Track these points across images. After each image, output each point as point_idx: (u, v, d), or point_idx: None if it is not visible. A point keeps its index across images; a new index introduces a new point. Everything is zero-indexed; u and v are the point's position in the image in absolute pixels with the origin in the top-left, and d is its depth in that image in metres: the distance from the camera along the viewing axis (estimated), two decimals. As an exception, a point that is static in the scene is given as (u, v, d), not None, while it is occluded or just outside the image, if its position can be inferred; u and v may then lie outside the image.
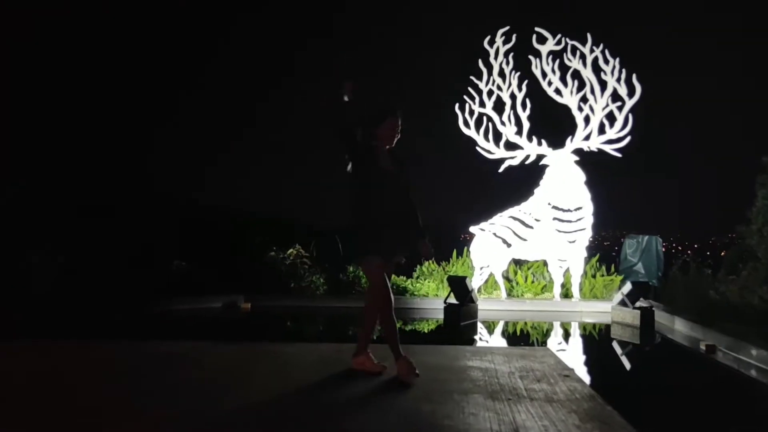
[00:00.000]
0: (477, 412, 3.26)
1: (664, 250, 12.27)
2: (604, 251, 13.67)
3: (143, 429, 2.95)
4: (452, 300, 8.52)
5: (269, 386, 3.79)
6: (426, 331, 8.36)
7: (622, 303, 8.38)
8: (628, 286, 8.48)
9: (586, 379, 5.17)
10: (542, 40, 10.16)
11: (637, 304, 8.32)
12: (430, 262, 11.18)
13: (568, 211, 9.87)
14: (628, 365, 6.47)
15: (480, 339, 7.67)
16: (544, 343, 7.29)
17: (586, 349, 7.24)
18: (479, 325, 8.43)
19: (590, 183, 10.07)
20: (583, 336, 8.19)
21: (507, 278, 10.68)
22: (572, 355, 6.55)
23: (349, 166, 3.97)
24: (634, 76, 9.73)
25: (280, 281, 10.48)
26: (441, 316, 8.47)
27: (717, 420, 4.26)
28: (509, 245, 9.99)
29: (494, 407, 3.36)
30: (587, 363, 6.31)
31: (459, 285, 8.53)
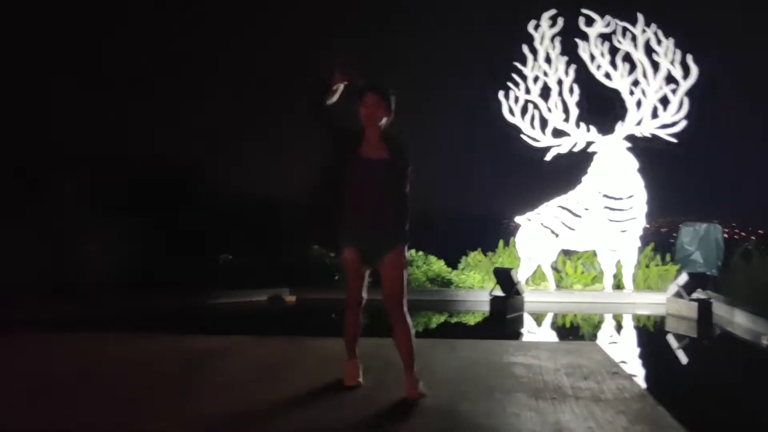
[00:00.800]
0: (519, 411, 3.14)
1: (726, 237, 11.75)
2: (661, 238, 13.17)
3: (180, 426, 2.95)
4: (498, 292, 8.34)
5: (307, 382, 3.75)
6: (471, 324, 8.23)
7: (678, 294, 8.04)
8: (683, 277, 8.12)
9: (638, 376, 4.96)
10: (590, 22, 9.77)
11: (694, 295, 7.96)
12: (477, 252, 11.01)
13: (620, 199, 9.53)
14: (683, 361, 6.19)
15: (527, 332, 7.49)
16: (593, 337, 7.06)
17: (639, 344, 6.97)
18: (526, 317, 8.23)
19: (645, 169, 9.69)
20: (635, 329, 7.91)
21: (556, 269, 10.41)
22: (623, 349, 6.30)
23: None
24: (689, 57, 9.26)
25: (324, 274, 10.50)
26: (487, 308, 8.30)
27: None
28: (557, 235, 9.72)
29: (537, 406, 3.23)
30: (639, 358, 6.06)
31: (504, 277, 8.35)
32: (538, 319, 8.36)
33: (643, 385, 4.42)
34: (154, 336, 5.32)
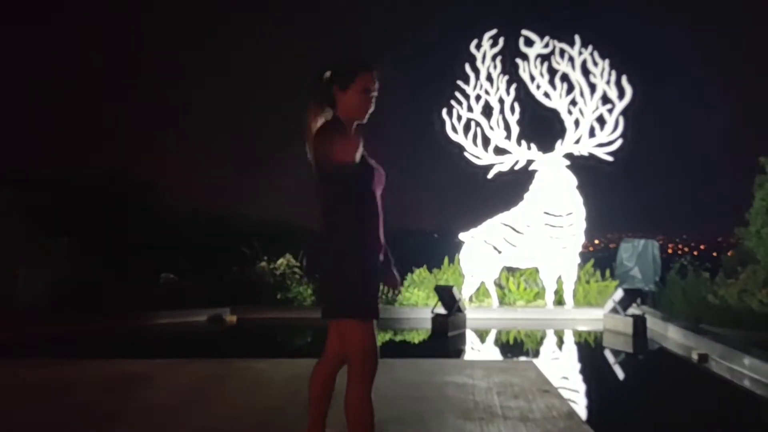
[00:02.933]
0: (444, 433, 3.08)
1: (670, 252, 12.12)
2: (609, 254, 13.46)
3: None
4: (440, 309, 8.33)
5: (231, 406, 3.62)
6: (414, 342, 8.18)
7: (614, 310, 8.18)
8: (619, 293, 8.28)
9: (571, 391, 4.99)
10: (530, 43, 9.98)
11: (630, 311, 8.12)
12: (422, 269, 11.01)
13: (560, 216, 9.68)
14: (615, 376, 6.28)
15: (468, 349, 7.49)
16: (534, 353, 7.10)
17: (575, 359, 7.05)
18: (468, 334, 8.23)
19: (587, 187, 9.90)
20: (573, 345, 8.00)
21: (499, 286, 10.48)
22: (559, 365, 6.36)
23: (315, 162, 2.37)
24: (624, 78, 9.55)
25: (267, 293, 10.30)
26: (430, 325, 8.28)
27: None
28: (500, 252, 9.80)
29: (464, 428, 3.18)
30: (573, 374, 6.11)
31: (446, 294, 8.34)
32: (481, 336, 8.38)
33: (574, 402, 4.45)
34: (76, 360, 5.08)
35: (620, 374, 6.37)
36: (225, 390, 4.05)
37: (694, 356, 6.24)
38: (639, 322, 7.84)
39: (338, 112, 2.37)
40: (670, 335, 7.64)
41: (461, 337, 7.96)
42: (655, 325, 8.13)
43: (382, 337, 8.35)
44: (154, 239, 12.19)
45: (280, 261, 11.02)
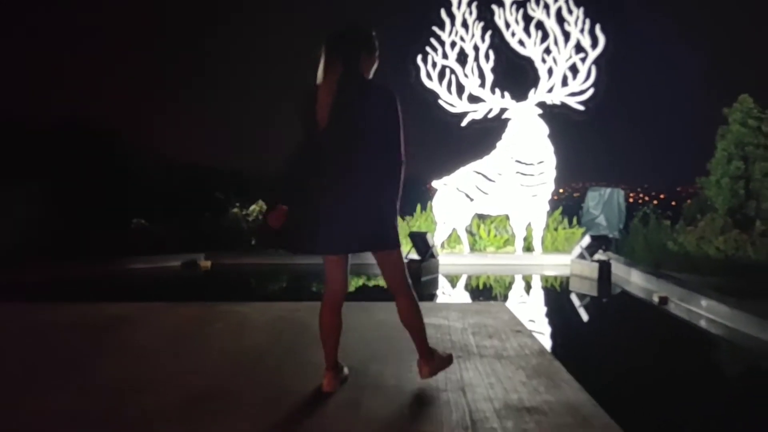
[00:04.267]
0: (425, 370, 3.24)
1: (631, 201, 12.45)
2: (576, 203, 13.78)
3: (69, 399, 2.85)
4: (413, 255, 8.51)
5: (216, 347, 3.73)
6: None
7: (581, 256, 8.48)
8: (586, 239, 8.57)
9: (541, 333, 5.24)
10: (506, -12, 9.92)
11: (596, 256, 8.43)
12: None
13: (531, 164, 9.85)
14: (581, 318, 6.58)
15: (441, 294, 7.71)
16: (504, 298, 7.36)
17: (543, 303, 7.33)
18: (441, 279, 8.46)
19: (555, 136, 10.04)
20: (541, 289, 8.30)
21: (470, 232, 10.71)
22: (529, 308, 6.62)
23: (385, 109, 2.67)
24: (597, 27, 9.60)
25: (241, 238, 10.35)
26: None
27: (655, 369, 4.35)
28: (472, 200, 9.97)
29: (443, 365, 3.34)
30: (543, 317, 6.39)
31: (420, 240, 8.51)
32: (453, 281, 8.61)
33: (544, 341, 4.69)
34: (52, 304, 5.10)
35: (586, 316, 6.68)
36: (210, 332, 4.14)
37: (655, 299, 6.58)
38: (604, 267, 8.16)
39: (360, 68, 2.74)
40: (633, 279, 7.98)
41: (434, 282, 8.19)
42: (618, 270, 8.46)
43: (356, 283, 8.53)
44: (124, 187, 12.04)
45: (252, 207, 11.04)
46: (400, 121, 2.69)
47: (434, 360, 3.00)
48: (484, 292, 8.00)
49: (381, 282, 8.51)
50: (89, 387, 2.98)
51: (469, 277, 8.90)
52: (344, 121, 2.65)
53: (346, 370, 3.10)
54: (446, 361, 3.08)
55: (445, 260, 9.29)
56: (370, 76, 2.80)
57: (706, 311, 5.79)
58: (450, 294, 7.81)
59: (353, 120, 2.66)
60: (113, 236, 9.70)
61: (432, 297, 7.41)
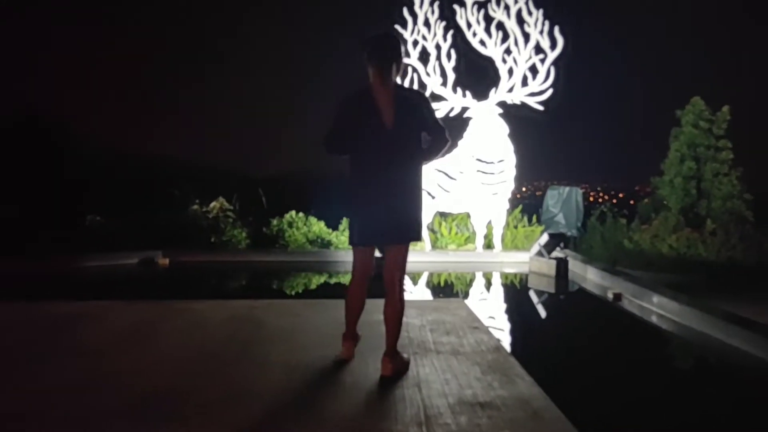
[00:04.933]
0: (381, 367, 3.26)
1: (591, 200, 12.71)
2: (536, 201, 13.99)
3: (20, 400, 2.78)
4: (376, 253, 8.50)
5: (170, 345, 3.67)
6: (348, 284, 8.35)
7: (539, 253, 8.62)
8: (544, 237, 8.71)
9: (498, 329, 5.32)
10: (467, -11, 10.00)
11: (553, 254, 8.57)
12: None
13: (491, 163, 9.96)
14: (538, 314, 6.69)
15: (401, 291, 7.74)
16: (464, 295, 7.43)
17: (502, 299, 7.42)
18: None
19: (516, 135, 10.16)
20: (500, 286, 8.40)
21: (432, 230, 10.78)
22: (488, 305, 6.70)
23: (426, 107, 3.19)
24: (556, 29, 9.76)
25: (201, 236, 10.20)
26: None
27: (606, 363, 4.46)
28: (433, 198, 10.03)
29: (400, 362, 3.36)
30: (501, 313, 6.47)
31: (382, 238, 8.51)
32: (414, 278, 8.65)
33: (501, 338, 4.76)
34: (7, 303, 4.96)
35: (543, 312, 6.79)
36: (163, 330, 4.08)
37: (610, 295, 6.73)
38: (561, 265, 8.31)
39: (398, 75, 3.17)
40: (589, 276, 8.15)
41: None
42: (576, 267, 8.63)
43: (318, 280, 8.51)
44: (78, 182, 11.73)
45: (212, 204, 10.89)
46: (434, 110, 3.23)
47: (398, 360, 3.19)
48: (445, 289, 8.06)
49: (341, 279, 8.53)
50: (40, 388, 2.91)
51: (431, 274, 8.95)
52: (408, 124, 3.10)
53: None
54: (406, 365, 3.26)
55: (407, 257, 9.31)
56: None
57: (657, 307, 5.95)
58: (411, 291, 7.84)
59: (414, 123, 3.14)
60: (67, 233, 9.44)
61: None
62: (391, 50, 3.13)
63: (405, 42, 3.62)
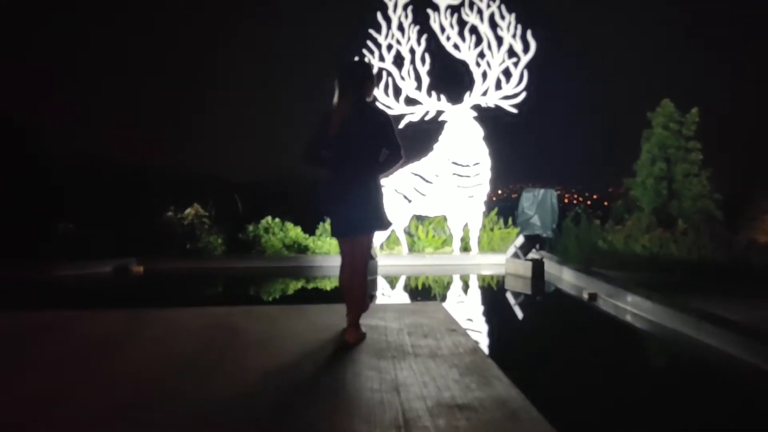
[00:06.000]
0: (360, 371, 3.25)
1: (566, 202, 12.85)
2: (511, 203, 14.09)
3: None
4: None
5: (146, 354, 3.62)
6: (327, 289, 8.34)
7: (515, 255, 8.70)
8: (520, 239, 8.79)
9: (475, 331, 5.35)
10: (440, -7, 10.08)
11: (529, 255, 8.65)
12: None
13: (467, 166, 10.03)
14: (515, 315, 6.73)
15: (380, 295, 7.74)
16: (442, 297, 7.45)
17: (479, 301, 7.47)
18: (379, 280, 8.49)
19: (491, 138, 10.25)
20: (477, 288, 8.45)
21: (408, 233, 10.81)
22: (465, 307, 6.74)
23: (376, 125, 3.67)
24: (528, 33, 9.88)
25: (176, 242, 10.09)
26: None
27: (582, 362, 4.51)
28: (410, 201, 10.06)
29: (378, 365, 3.36)
30: (478, 315, 6.51)
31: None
32: (392, 282, 8.66)
33: (479, 340, 4.79)
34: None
35: (520, 313, 6.84)
36: (137, 339, 4.02)
37: (585, 295, 6.82)
38: (537, 266, 8.39)
39: (364, 95, 3.70)
40: (565, 277, 8.24)
41: (373, 283, 8.21)
42: (551, 268, 8.72)
43: (295, 285, 8.47)
44: (51, 188, 11.52)
45: (188, 210, 10.79)
46: (395, 130, 3.69)
47: (360, 332, 3.87)
48: (423, 292, 8.08)
49: (319, 285, 8.51)
50: (11, 399, 2.84)
51: (408, 278, 8.97)
52: (349, 134, 3.61)
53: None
54: (363, 336, 3.90)
55: (384, 261, 9.35)
56: (372, 95, 3.79)
57: (631, 306, 6.04)
58: (389, 295, 7.85)
59: (356, 134, 3.62)
60: (39, 241, 9.27)
61: (370, 298, 7.43)
62: (348, 76, 3.69)
63: (371, 66, 4.07)
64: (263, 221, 10.59)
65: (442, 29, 10.09)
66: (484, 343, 4.94)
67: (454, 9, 10.08)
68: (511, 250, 8.87)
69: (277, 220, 10.62)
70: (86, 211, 10.77)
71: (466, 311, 6.43)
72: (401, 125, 10.17)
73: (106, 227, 10.21)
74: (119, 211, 10.98)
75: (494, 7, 9.90)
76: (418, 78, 10.15)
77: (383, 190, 3.82)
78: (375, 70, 10.06)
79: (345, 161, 3.65)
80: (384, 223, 3.80)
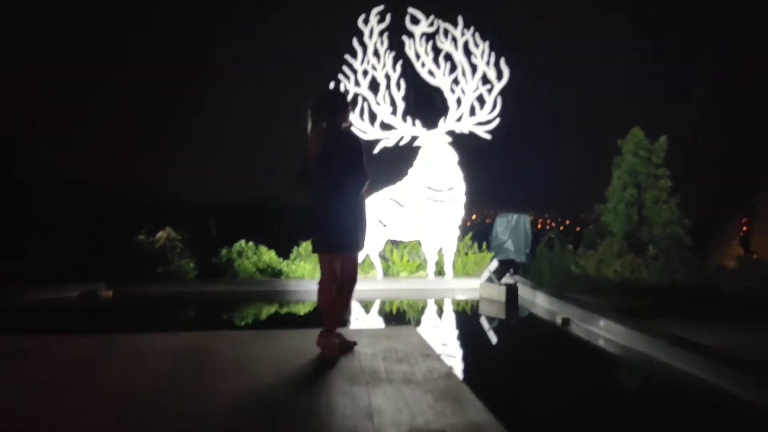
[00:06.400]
0: (333, 397, 3.21)
1: (539, 227, 12.98)
2: (485, 228, 14.20)
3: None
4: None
5: (115, 379, 3.53)
6: (300, 313, 8.26)
7: (489, 280, 8.73)
8: (494, 264, 8.83)
9: (451, 356, 5.33)
10: (415, 21, 10.24)
11: (503, 280, 8.69)
12: (308, 242, 11.07)
13: (441, 191, 10.08)
14: (489, 340, 6.73)
15: (354, 320, 7.68)
16: (416, 322, 7.43)
17: (454, 326, 7.46)
18: (354, 305, 8.43)
19: (465, 163, 10.33)
20: (451, 313, 8.44)
21: (383, 258, 10.79)
22: (440, 332, 6.72)
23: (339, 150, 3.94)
24: (502, 60, 10.07)
25: (147, 266, 9.91)
26: (316, 297, 8.37)
27: (556, 386, 4.52)
28: (385, 225, 10.06)
29: (351, 391, 3.32)
30: (452, 340, 6.50)
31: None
32: (366, 306, 8.61)
33: (453, 365, 4.77)
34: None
35: (494, 338, 6.84)
36: (107, 364, 3.93)
37: (558, 320, 6.86)
38: (511, 291, 8.42)
39: (337, 122, 3.98)
40: (538, 302, 8.28)
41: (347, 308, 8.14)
42: (525, 293, 8.76)
43: (268, 310, 8.37)
44: (18, 211, 11.29)
45: (159, 234, 10.63)
46: (362, 154, 3.96)
47: (333, 339, 4.08)
48: (397, 316, 8.04)
49: (293, 309, 8.42)
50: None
51: (383, 302, 8.93)
52: (323, 160, 3.89)
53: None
54: (334, 346, 4.07)
55: (359, 286, 9.20)
56: (347, 121, 4.08)
57: (604, 331, 6.09)
58: (363, 320, 7.80)
59: (329, 158, 3.89)
60: (4, 264, 9.02)
61: (345, 323, 7.37)
62: (321, 105, 3.97)
63: (346, 93, 4.32)
64: (237, 245, 10.48)
65: (417, 56, 10.22)
66: (458, 368, 4.92)
67: (429, 36, 10.24)
68: (486, 274, 8.90)
69: (250, 243, 10.52)
70: (55, 233, 10.55)
71: (441, 336, 6.41)
72: (376, 150, 10.23)
73: (75, 250, 10.00)
74: (89, 234, 10.78)
75: (468, 35, 10.08)
76: (393, 103, 10.23)
77: (362, 213, 4.04)
78: (351, 96, 10.20)
79: (320, 185, 3.92)
80: (351, 245, 4.02)
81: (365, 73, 10.26)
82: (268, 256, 10.42)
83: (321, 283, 4.21)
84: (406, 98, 10.23)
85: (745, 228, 11.27)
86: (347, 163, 3.92)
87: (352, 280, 4.15)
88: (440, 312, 8.39)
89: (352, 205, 3.97)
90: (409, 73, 10.28)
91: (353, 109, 4.25)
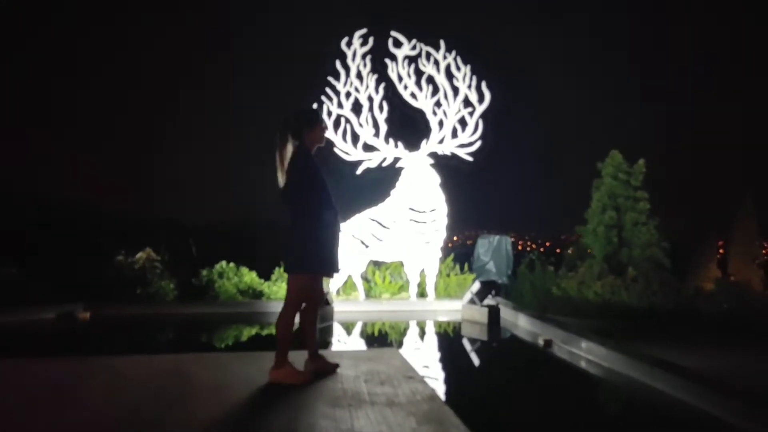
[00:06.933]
0: (315, 420, 3.18)
1: (520, 248, 13.05)
2: (467, 250, 14.23)
3: None
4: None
5: (88, 404, 3.45)
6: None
7: (471, 301, 8.73)
8: (476, 285, 8.84)
9: (433, 378, 5.30)
10: (398, 44, 10.35)
11: (485, 301, 8.70)
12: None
13: (424, 212, 10.11)
14: (472, 362, 6.71)
15: (336, 341, 7.63)
16: (398, 344, 7.39)
17: (436, 348, 7.43)
18: (336, 327, 8.38)
19: (447, 185, 10.39)
20: (434, 334, 8.42)
21: (365, 279, 10.75)
22: (422, 354, 6.69)
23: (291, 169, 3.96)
24: (483, 84, 10.20)
25: (126, 288, 9.76)
26: (297, 319, 8.29)
27: (537, 408, 4.51)
28: (367, 246, 10.05)
29: (333, 414, 3.29)
30: (435, 362, 6.46)
31: (315, 287, 8.41)
32: (348, 328, 8.56)
33: (436, 387, 4.74)
34: None
35: (476, 360, 6.82)
36: (81, 388, 3.84)
37: (540, 342, 6.86)
38: (493, 312, 8.43)
39: (304, 142, 4.02)
40: (520, 323, 8.29)
41: (329, 330, 8.10)
42: (507, 314, 8.77)
43: (249, 332, 8.27)
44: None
45: (139, 254, 10.50)
46: (310, 175, 3.96)
47: (283, 369, 3.92)
48: (379, 338, 8.00)
49: (274, 331, 8.32)
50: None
51: (365, 324, 8.88)
52: (286, 180, 3.96)
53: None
54: (296, 376, 3.95)
55: (341, 307, 9.25)
56: (321, 139, 4.15)
57: (585, 353, 6.11)
58: (345, 341, 7.74)
59: (288, 178, 3.94)
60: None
61: (326, 345, 7.31)
62: (287, 122, 4.01)
63: (312, 112, 4.30)
64: (217, 266, 10.38)
65: (400, 78, 10.32)
66: (441, 390, 4.89)
67: (412, 59, 10.35)
68: (468, 296, 8.91)
69: (231, 264, 10.43)
70: (29, 254, 10.37)
71: (423, 358, 6.38)
72: (359, 171, 10.25)
73: (52, 271, 9.82)
74: (67, 255, 10.61)
75: (450, 59, 10.21)
76: (376, 125, 10.29)
77: (314, 234, 3.95)
78: (325, 113, 10.23)
79: (285, 204, 4.03)
80: (293, 267, 4.01)
81: (348, 95, 10.33)
82: (249, 277, 10.33)
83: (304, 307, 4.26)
84: (388, 120, 10.30)
85: (722, 251, 11.43)
86: (296, 185, 3.96)
87: (286, 303, 4.06)
88: (423, 334, 8.36)
89: (301, 225, 3.94)
90: (391, 95, 10.37)
91: (325, 128, 4.37)
